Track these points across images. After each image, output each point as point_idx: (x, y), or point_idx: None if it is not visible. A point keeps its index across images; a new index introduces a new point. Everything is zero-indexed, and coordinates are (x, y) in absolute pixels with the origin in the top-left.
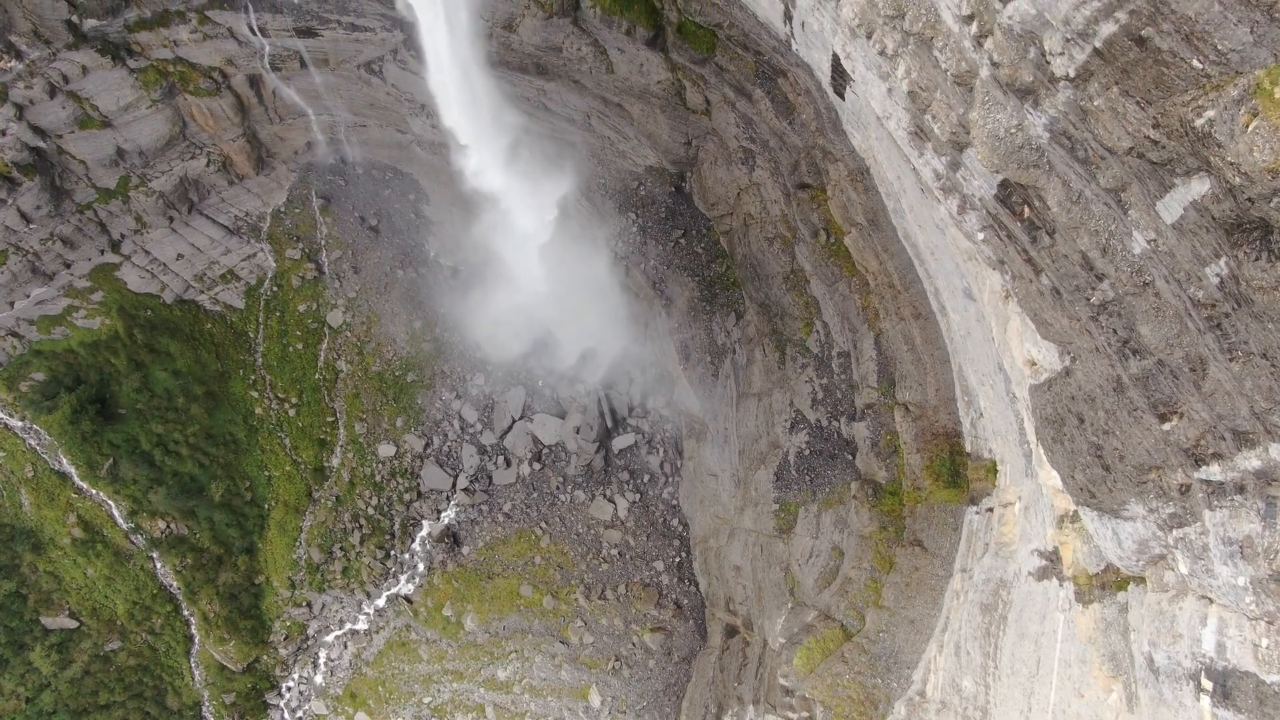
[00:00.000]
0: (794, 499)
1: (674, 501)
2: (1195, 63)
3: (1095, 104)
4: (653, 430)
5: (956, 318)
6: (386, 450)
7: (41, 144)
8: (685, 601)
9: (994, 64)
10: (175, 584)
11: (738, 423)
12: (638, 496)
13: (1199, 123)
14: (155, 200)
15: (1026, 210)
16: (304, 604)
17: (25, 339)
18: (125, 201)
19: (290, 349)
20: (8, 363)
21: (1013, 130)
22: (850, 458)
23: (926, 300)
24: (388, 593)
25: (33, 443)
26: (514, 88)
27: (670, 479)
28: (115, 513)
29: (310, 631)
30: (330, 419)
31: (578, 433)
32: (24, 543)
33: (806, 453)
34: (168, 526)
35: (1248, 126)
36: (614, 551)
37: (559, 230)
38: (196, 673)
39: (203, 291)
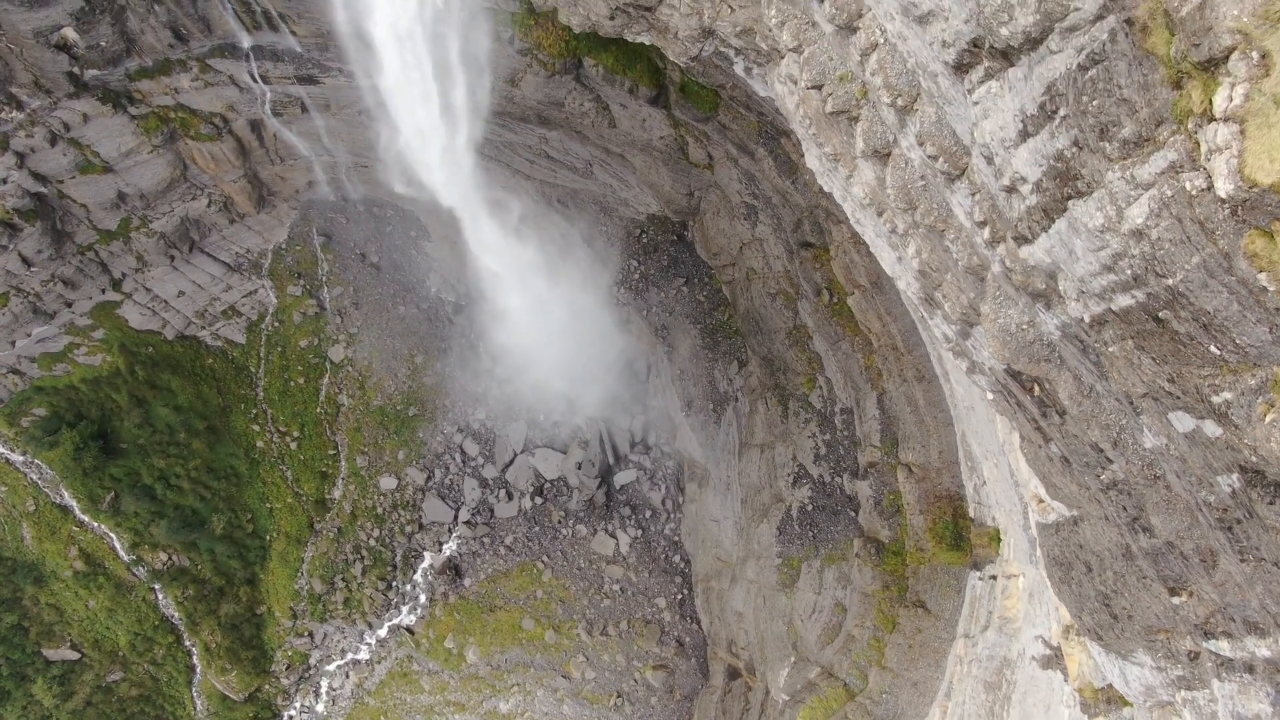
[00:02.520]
0: (797, 554)
1: (675, 538)
2: (1213, 349)
3: (1109, 349)
4: (654, 466)
5: (960, 389)
6: (388, 483)
7: (43, 189)
8: (687, 639)
9: (1006, 267)
10: (177, 615)
11: (740, 472)
12: (639, 532)
13: (1215, 400)
14: (156, 240)
15: (1037, 389)
16: (306, 634)
17: (26, 376)
18: (126, 242)
19: (292, 383)
20: (9, 399)
21: (1024, 326)
22: (853, 514)
23: (930, 364)
24: (389, 623)
25: (34, 477)
26: (515, 135)
27: (672, 515)
28: (117, 545)
29: (312, 661)
30: (332, 452)
31: (579, 468)
32: (26, 576)
33: (809, 508)
34: (169, 558)
35: (1265, 416)
36: (616, 587)
37: (560, 276)
38: (198, 703)
39: (204, 327)
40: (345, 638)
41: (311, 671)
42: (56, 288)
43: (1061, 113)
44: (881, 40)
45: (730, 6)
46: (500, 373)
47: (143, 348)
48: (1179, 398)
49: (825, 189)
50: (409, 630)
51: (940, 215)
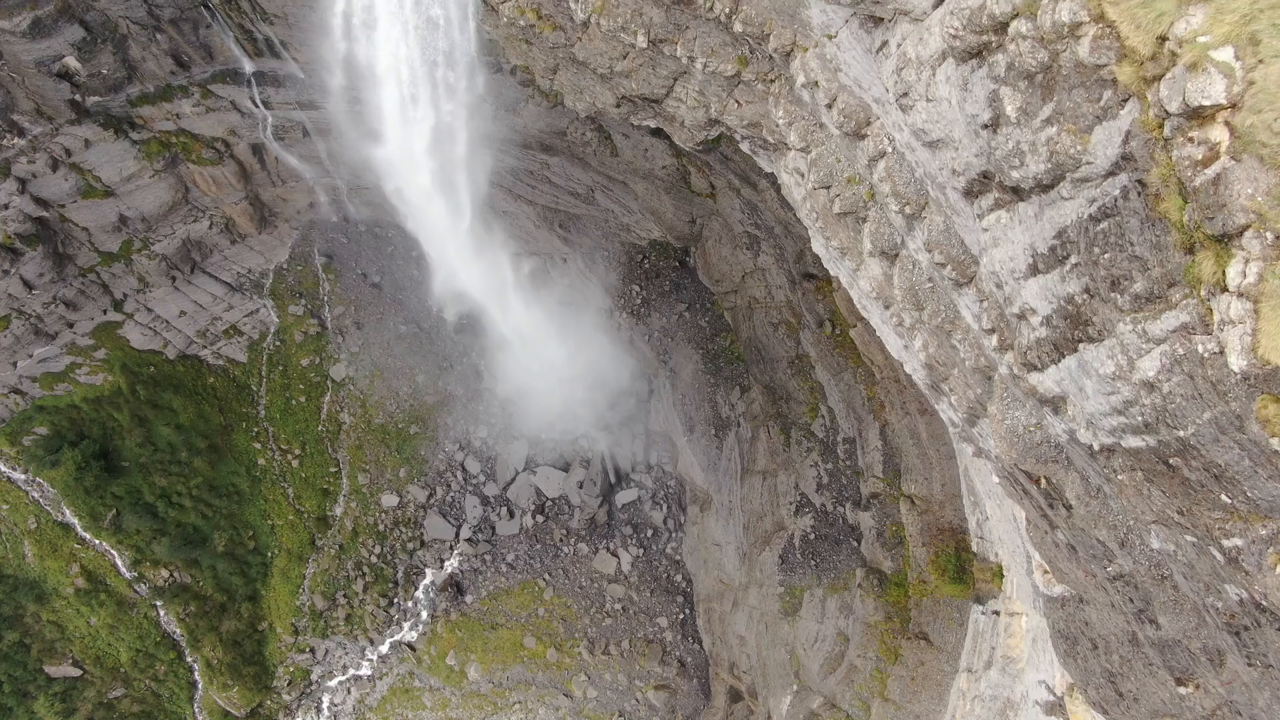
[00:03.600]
0: (799, 582)
1: (677, 557)
2: (1224, 497)
3: (1118, 477)
4: (656, 486)
5: None
6: (390, 500)
7: (44, 213)
8: (689, 660)
9: (1014, 374)
10: (179, 631)
11: (743, 498)
12: (641, 551)
13: (1226, 544)
14: (158, 262)
15: (1044, 482)
16: (307, 649)
17: (28, 395)
18: (128, 264)
19: (293, 402)
20: (11, 419)
21: (1031, 428)
22: (855, 544)
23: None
24: (391, 639)
25: (36, 495)
26: (517, 161)
27: (673, 534)
28: (118, 562)
29: (314, 677)
30: (333, 469)
31: (580, 487)
32: (27, 594)
33: (812, 537)
34: (171, 575)
35: (1275, 567)
36: (617, 606)
37: (563, 299)
38: (200, 718)
39: (205, 347)
40: (347, 654)
41: (313, 687)
42: (58, 309)
43: (1073, 259)
44: (889, 149)
45: (738, 102)
46: (501, 391)
47: (144, 367)
48: (1189, 528)
49: (831, 273)
50: (411, 646)
51: (948, 317)
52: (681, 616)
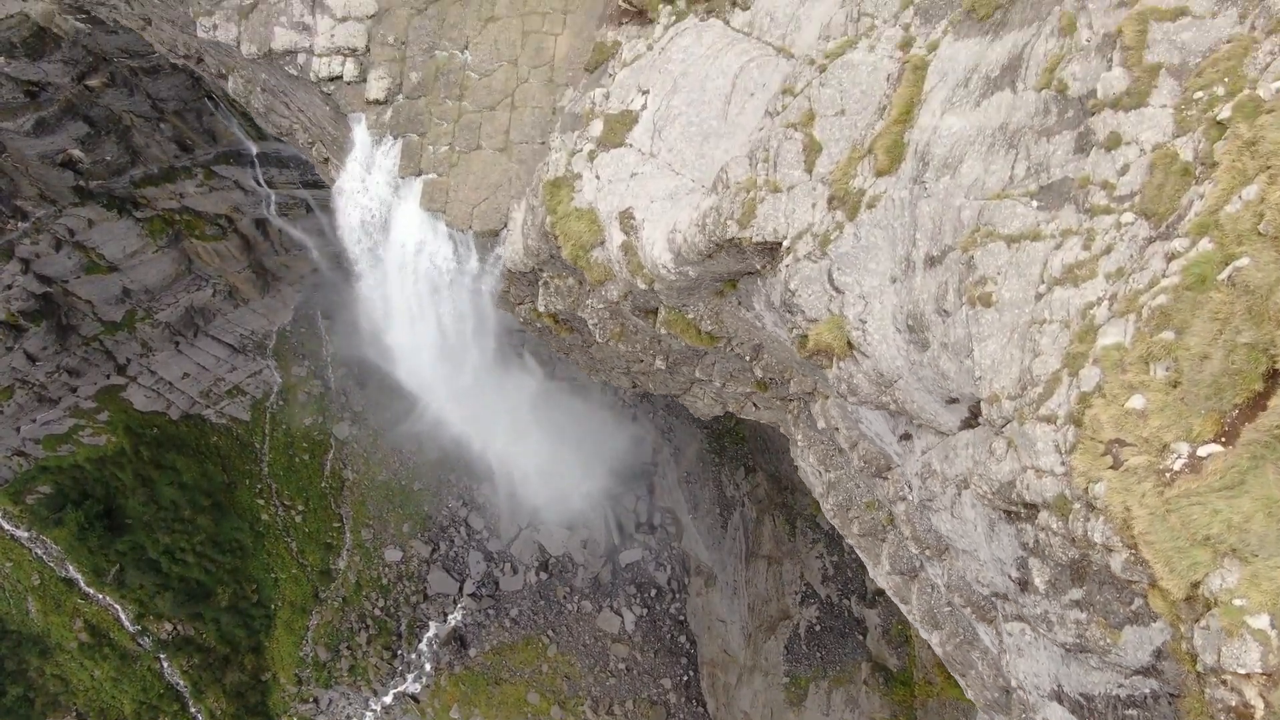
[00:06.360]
0: (804, 673)
1: (681, 617)
2: None
3: None
4: (659, 547)
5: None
6: (393, 554)
7: (48, 289)
8: None
9: None
10: (182, 683)
11: (748, 580)
12: (644, 611)
13: None
14: (161, 330)
15: None
16: (311, 700)
17: (31, 456)
18: (131, 332)
19: (296, 459)
20: (13, 479)
21: None
22: (861, 638)
23: None
24: (395, 690)
25: (39, 552)
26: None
27: (677, 595)
28: (122, 616)
29: None
30: (336, 524)
31: (584, 546)
32: (31, 649)
33: (817, 628)
34: (174, 628)
35: None
36: (621, 665)
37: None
38: None
39: (208, 406)
40: (350, 704)
41: None
42: (61, 377)
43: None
44: (909, 496)
45: (755, 406)
46: (502, 453)
47: (148, 428)
48: None
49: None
50: (414, 698)
51: (966, 637)
52: (685, 678)
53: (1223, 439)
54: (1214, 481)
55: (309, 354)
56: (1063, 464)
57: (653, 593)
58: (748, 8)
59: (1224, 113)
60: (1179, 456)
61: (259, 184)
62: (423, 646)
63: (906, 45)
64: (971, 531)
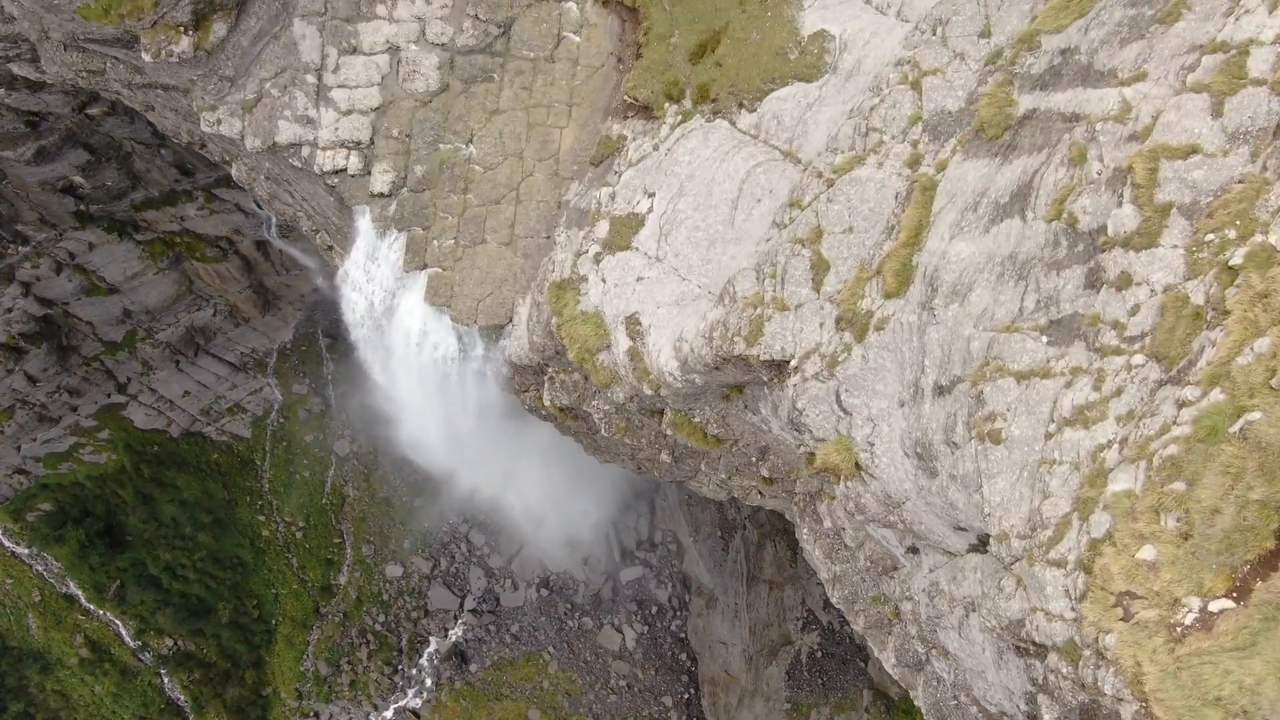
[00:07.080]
0: (806, 700)
1: (682, 635)
2: None
3: None
4: (660, 565)
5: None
6: (394, 570)
7: (48, 311)
8: None
9: None
10: (183, 698)
11: (749, 603)
12: (645, 628)
13: None
14: (162, 350)
15: None
16: (311, 715)
17: (32, 475)
18: (132, 351)
19: (297, 476)
20: (14, 496)
21: None
22: (863, 664)
23: None
24: (395, 705)
25: (40, 569)
26: None
27: (678, 613)
28: (123, 632)
29: None
30: (337, 540)
31: (585, 563)
32: (31, 665)
33: (819, 655)
34: (175, 644)
35: None
36: (622, 683)
37: None
38: None
39: (209, 424)
40: (351, 719)
41: None
42: (62, 396)
43: None
44: (915, 599)
45: (761, 494)
46: (501, 471)
47: (148, 446)
48: None
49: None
50: (415, 714)
51: None
52: (686, 696)
53: (1234, 595)
54: (1225, 641)
55: (309, 372)
56: (1073, 610)
57: (654, 610)
58: (754, 109)
59: (1236, 258)
60: (1190, 611)
61: (259, 206)
62: (423, 662)
63: (915, 163)
64: (979, 654)
